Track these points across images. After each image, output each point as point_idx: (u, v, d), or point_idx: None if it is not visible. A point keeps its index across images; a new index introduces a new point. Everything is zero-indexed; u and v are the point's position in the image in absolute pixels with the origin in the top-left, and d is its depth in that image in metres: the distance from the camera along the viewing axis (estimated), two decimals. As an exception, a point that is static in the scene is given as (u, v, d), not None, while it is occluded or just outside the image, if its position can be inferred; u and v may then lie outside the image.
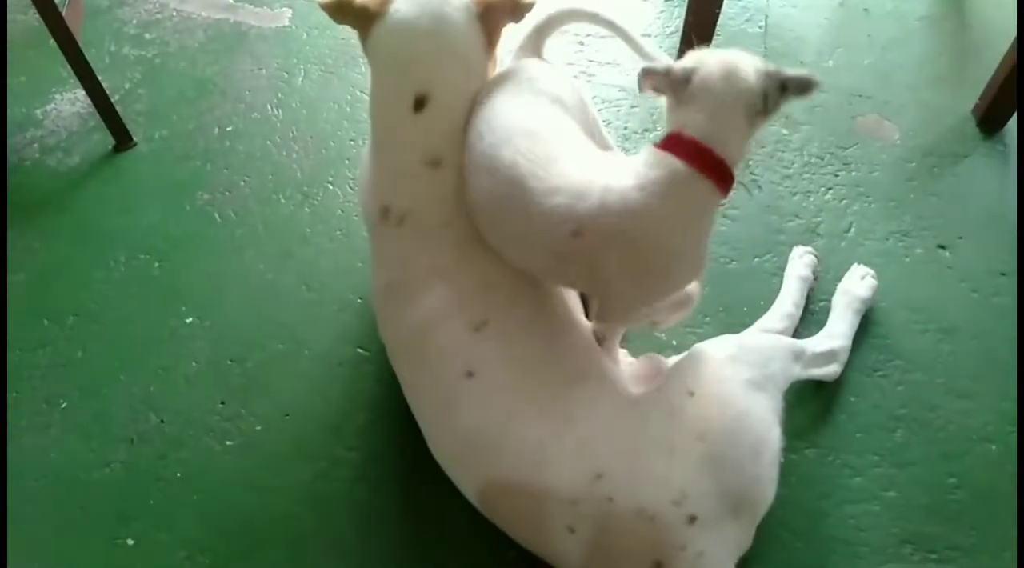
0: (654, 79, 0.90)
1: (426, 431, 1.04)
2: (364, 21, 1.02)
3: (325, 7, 1.02)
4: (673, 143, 0.89)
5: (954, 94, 1.61)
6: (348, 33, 1.76)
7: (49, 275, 1.39)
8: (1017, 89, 1.33)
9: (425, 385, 1.03)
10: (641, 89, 0.91)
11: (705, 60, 0.89)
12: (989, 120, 1.55)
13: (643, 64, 0.90)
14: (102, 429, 1.21)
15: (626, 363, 1.10)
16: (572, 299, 1.12)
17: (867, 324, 1.28)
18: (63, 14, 1.38)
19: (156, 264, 1.40)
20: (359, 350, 1.29)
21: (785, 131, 1.56)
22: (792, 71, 0.87)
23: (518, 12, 1.03)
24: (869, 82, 1.65)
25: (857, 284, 1.28)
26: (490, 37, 1.04)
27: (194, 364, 1.28)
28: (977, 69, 1.59)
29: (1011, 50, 1.47)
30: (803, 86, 0.87)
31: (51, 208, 1.48)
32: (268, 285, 1.37)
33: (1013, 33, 1.45)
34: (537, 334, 1.01)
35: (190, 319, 1.33)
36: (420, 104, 1.00)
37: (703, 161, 0.88)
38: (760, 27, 1.75)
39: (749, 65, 0.88)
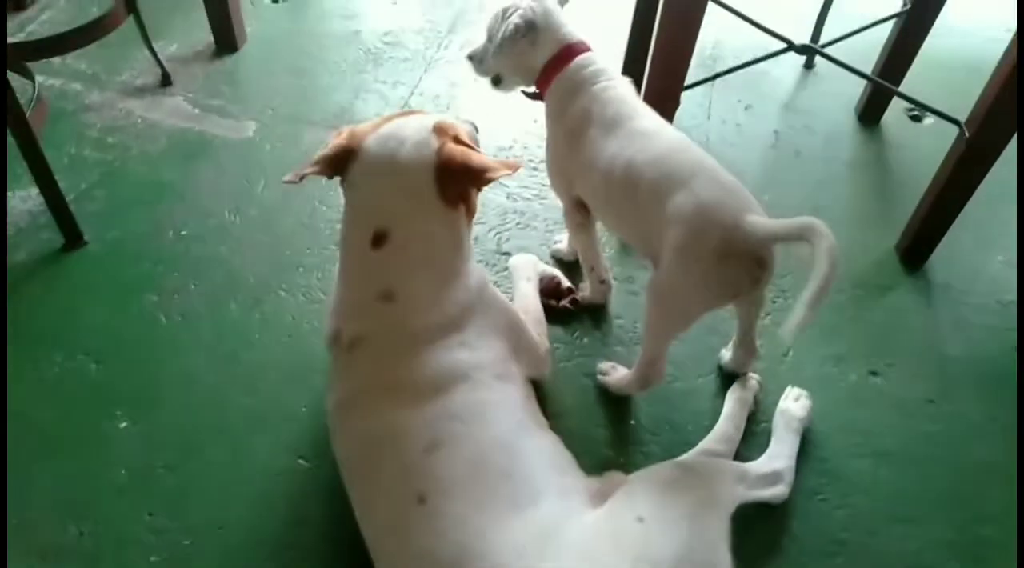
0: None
1: (375, 553, 1.01)
2: (345, 164, 1.07)
3: (314, 172, 1.06)
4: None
5: (878, 231, 1.74)
6: (312, 149, 1.83)
7: (-22, 373, 1.33)
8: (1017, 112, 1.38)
9: (376, 507, 1.01)
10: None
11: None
12: (911, 256, 1.67)
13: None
14: (16, 540, 1.13)
15: (584, 482, 1.10)
16: (533, 411, 1.13)
17: (807, 446, 1.31)
18: (27, 114, 1.40)
19: (93, 365, 1.36)
20: (300, 461, 1.25)
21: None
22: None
23: (478, 181, 1.06)
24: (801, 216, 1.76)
25: (793, 405, 1.32)
26: (447, 191, 1.06)
27: (123, 471, 1.22)
28: (897, 210, 1.72)
29: (923, 198, 1.60)
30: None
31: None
32: (210, 390, 1.34)
33: (930, 177, 1.59)
34: (490, 457, 1.00)
35: (124, 423, 1.28)
36: (379, 240, 1.05)
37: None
38: (701, 162, 1.88)
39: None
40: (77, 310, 1.45)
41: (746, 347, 1.37)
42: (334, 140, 1.08)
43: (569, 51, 1.27)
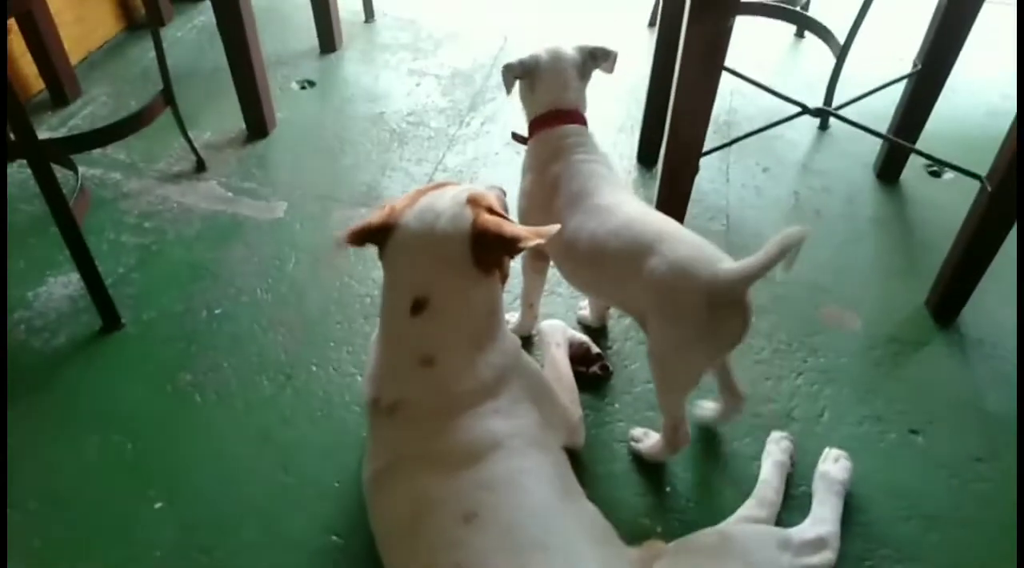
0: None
1: None
2: (383, 237, 1.10)
3: (348, 241, 1.10)
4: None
5: (907, 287, 1.73)
6: (340, 226, 1.87)
7: (18, 457, 1.35)
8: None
9: None
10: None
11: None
12: (942, 311, 1.65)
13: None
14: (50, 627, 1.12)
15: (624, 552, 1.07)
16: (569, 480, 1.12)
17: (850, 510, 1.27)
18: (71, 205, 1.46)
19: (130, 446, 1.37)
20: (334, 537, 1.24)
21: (753, 318, 1.64)
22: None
23: (512, 249, 1.09)
24: (827, 276, 1.76)
25: (832, 467, 1.29)
26: (482, 260, 1.09)
27: (158, 553, 1.22)
28: (924, 265, 1.72)
29: (950, 253, 1.60)
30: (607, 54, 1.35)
31: (30, 388, 1.47)
32: (245, 469, 1.34)
33: (955, 232, 1.59)
34: (526, 528, 0.99)
35: (159, 504, 1.28)
36: (418, 308, 1.07)
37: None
38: (723, 225, 1.90)
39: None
40: (114, 392, 1.47)
41: (731, 392, 1.34)
42: (376, 214, 1.11)
43: (558, 116, 1.32)
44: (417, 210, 1.10)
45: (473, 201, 1.10)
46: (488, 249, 1.08)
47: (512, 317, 1.56)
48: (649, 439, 1.35)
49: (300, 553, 1.22)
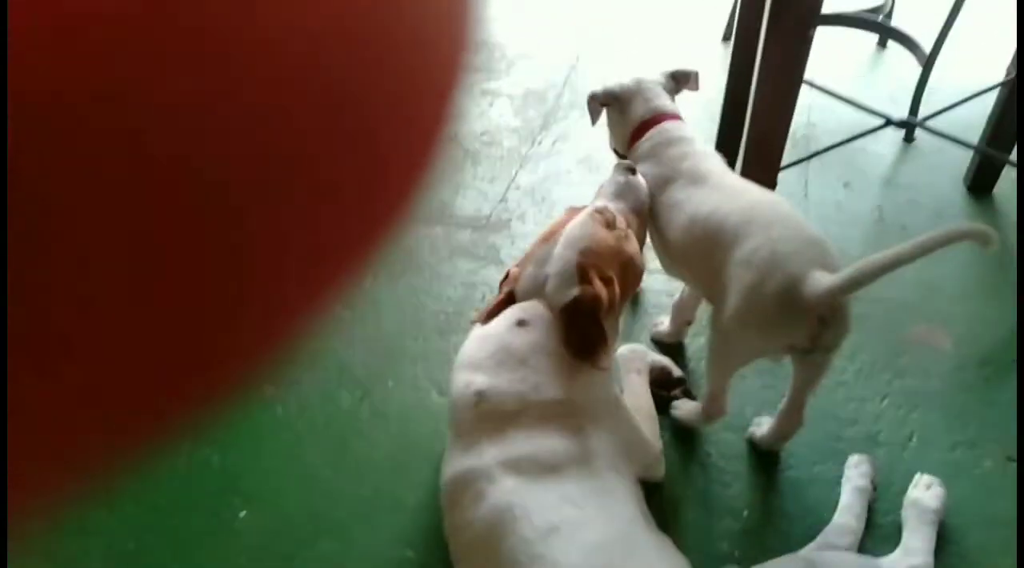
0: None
1: None
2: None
3: (484, 321, 1.20)
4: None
5: (1001, 305, 1.64)
6: (414, 245, 1.90)
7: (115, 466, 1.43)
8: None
9: None
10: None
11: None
12: (1042, 331, 1.56)
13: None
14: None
15: None
16: (645, 510, 1.11)
17: (943, 542, 1.21)
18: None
19: (215, 457, 1.43)
20: (408, 552, 1.26)
21: (844, 333, 1.59)
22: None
23: (611, 313, 1.15)
24: (915, 293, 1.69)
25: (924, 494, 1.23)
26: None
27: (243, 560, 1.26)
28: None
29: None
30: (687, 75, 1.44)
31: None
32: (324, 481, 1.38)
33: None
34: (608, 549, 0.98)
35: (243, 512, 1.33)
36: (521, 323, 1.15)
37: None
38: (802, 241, 1.85)
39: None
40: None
41: (791, 416, 1.29)
42: (500, 289, 1.21)
43: (656, 118, 1.40)
44: (530, 275, 1.18)
45: (582, 270, 1.14)
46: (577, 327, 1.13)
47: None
48: (686, 406, 1.37)
49: (375, 565, 1.24)
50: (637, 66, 2.58)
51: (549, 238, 1.19)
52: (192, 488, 1.38)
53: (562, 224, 1.20)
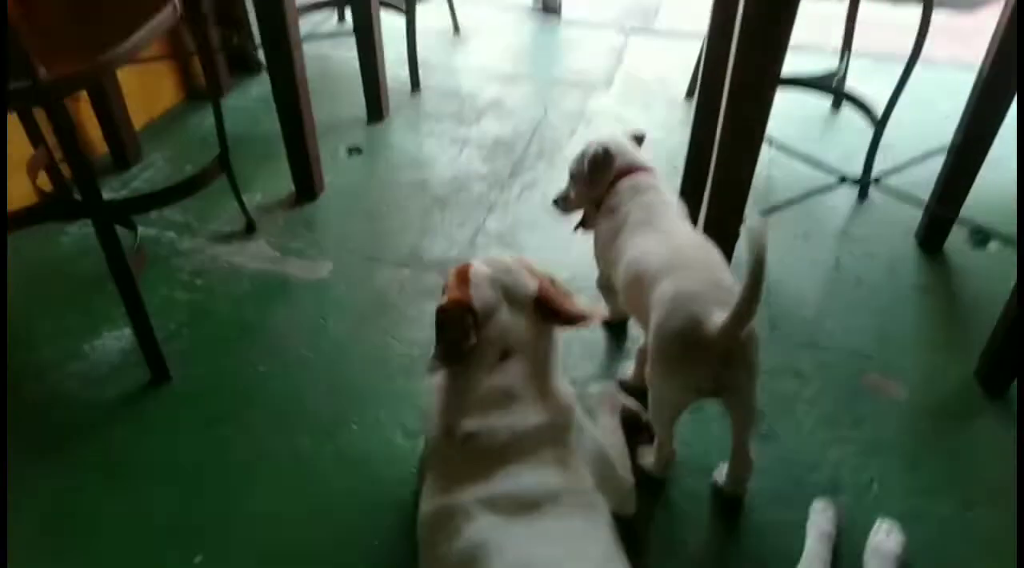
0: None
1: None
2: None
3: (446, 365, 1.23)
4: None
5: (953, 357, 1.69)
6: (383, 286, 1.90)
7: (62, 504, 1.37)
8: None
9: None
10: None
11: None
12: (992, 383, 1.61)
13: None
14: None
15: None
16: (618, 547, 1.11)
17: (903, 588, 1.23)
18: (129, 262, 1.53)
19: (171, 499, 1.39)
20: (371, 599, 1.23)
21: (796, 385, 1.62)
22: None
23: (569, 324, 1.22)
24: (870, 343, 1.74)
25: (885, 540, 1.25)
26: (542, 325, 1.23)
27: (196, 609, 1.22)
28: (972, 335, 1.69)
29: (998, 323, 1.58)
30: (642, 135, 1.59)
31: (77, 439, 1.50)
32: (284, 525, 1.35)
33: (1002, 302, 1.56)
34: None
35: (199, 557, 1.29)
36: (505, 356, 1.19)
37: None
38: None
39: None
40: (159, 444, 1.50)
41: (739, 459, 1.32)
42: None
43: (632, 168, 1.51)
44: (484, 287, 1.22)
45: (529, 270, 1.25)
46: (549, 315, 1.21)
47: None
48: (650, 456, 1.39)
49: (337, 613, 1.21)
50: (607, 120, 2.67)
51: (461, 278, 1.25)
52: (142, 533, 1.33)
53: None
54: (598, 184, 1.53)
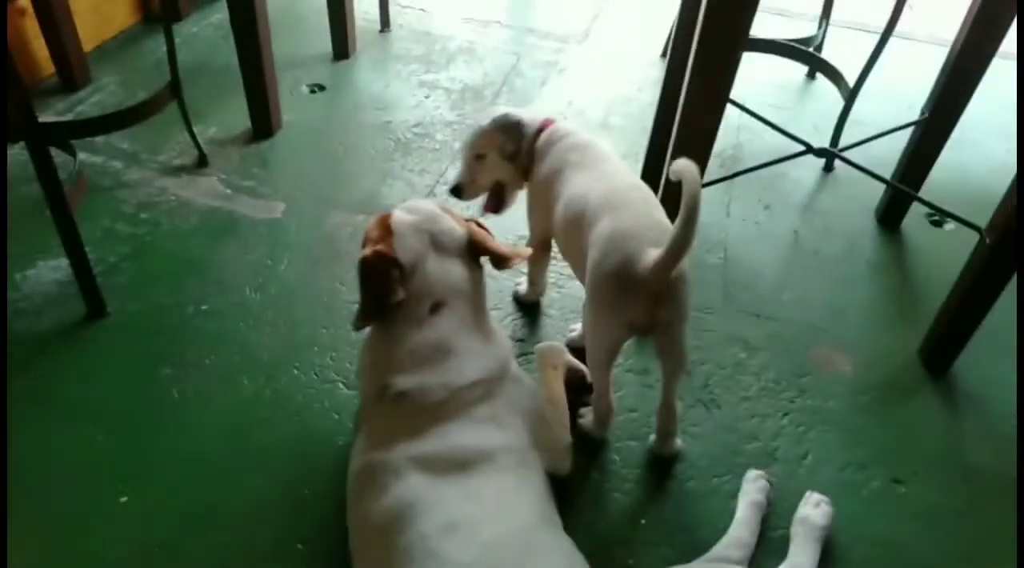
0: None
1: None
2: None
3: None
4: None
5: (901, 334, 1.71)
6: (336, 231, 1.86)
7: (-13, 440, 1.33)
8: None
9: None
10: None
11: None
12: (935, 361, 1.63)
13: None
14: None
15: None
16: (550, 507, 1.11)
17: (827, 559, 1.25)
18: (66, 189, 1.46)
19: (101, 437, 1.35)
20: (299, 545, 1.21)
21: (743, 355, 1.62)
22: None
23: (500, 265, 1.23)
24: (822, 317, 1.75)
25: (813, 511, 1.27)
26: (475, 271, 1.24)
27: (119, 548, 1.19)
28: (920, 313, 1.70)
29: (946, 303, 1.59)
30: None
31: (8, 370, 1.45)
32: (216, 468, 1.32)
33: (951, 283, 1.57)
34: (509, 548, 0.97)
35: (125, 498, 1.26)
36: (436, 308, 1.17)
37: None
38: (720, 258, 1.89)
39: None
40: (91, 381, 1.45)
41: (665, 409, 1.35)
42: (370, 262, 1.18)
43: (545, 123, 1.51)
44: (410, 237, 1.20)
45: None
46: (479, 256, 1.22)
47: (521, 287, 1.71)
48: (591, 415, 1.40)
49: (264, 560, 1.20)
50: (580, 74, 2.61)
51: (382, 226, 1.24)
52: (69, 470, 1.30)
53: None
54: (521, 149, 1.50)
